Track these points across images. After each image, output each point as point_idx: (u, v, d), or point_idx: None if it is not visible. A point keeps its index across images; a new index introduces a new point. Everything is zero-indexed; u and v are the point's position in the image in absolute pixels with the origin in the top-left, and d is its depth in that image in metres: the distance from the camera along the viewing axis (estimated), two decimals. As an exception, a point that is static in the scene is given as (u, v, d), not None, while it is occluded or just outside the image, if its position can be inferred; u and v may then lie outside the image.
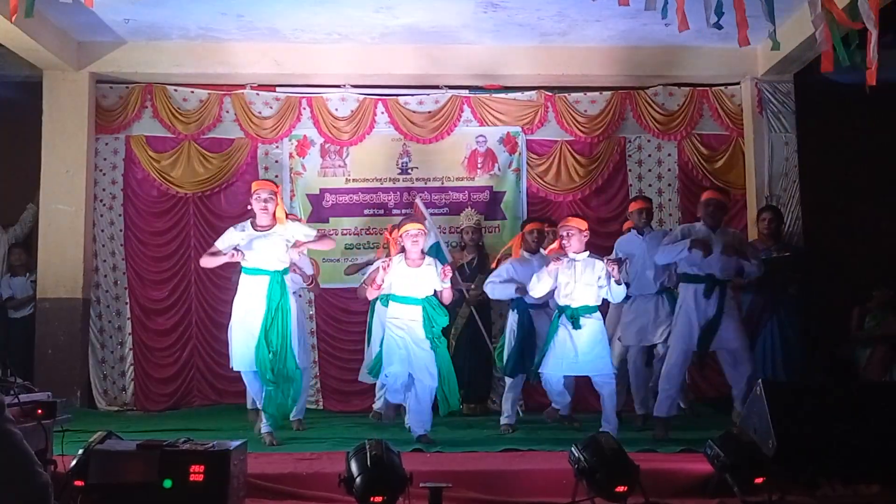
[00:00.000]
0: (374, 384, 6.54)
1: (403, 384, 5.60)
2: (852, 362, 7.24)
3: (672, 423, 5.66)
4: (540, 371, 5.69)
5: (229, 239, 5.48)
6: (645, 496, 3.89)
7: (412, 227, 5.58)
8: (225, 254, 5.43)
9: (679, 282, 5.82)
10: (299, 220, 6.35)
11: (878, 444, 4.18)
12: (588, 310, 5.57)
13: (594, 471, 3.83)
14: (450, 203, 7.75)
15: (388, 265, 5.53)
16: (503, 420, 6.04)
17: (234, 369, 5.58)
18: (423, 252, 5.63)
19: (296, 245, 5.59)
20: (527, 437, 5.68)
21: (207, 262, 5.62)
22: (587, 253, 5.66)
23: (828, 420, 4.24)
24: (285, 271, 5.53)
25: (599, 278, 5.58)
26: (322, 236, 5.82)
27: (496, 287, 6.09)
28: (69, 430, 4.08)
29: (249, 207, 5.59)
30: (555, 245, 5.93)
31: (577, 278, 5.56)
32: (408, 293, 5.52)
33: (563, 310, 5.60)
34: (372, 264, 6.54)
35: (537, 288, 5.63)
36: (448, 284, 5.57)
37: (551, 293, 5.71)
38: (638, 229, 6.28)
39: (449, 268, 5.65)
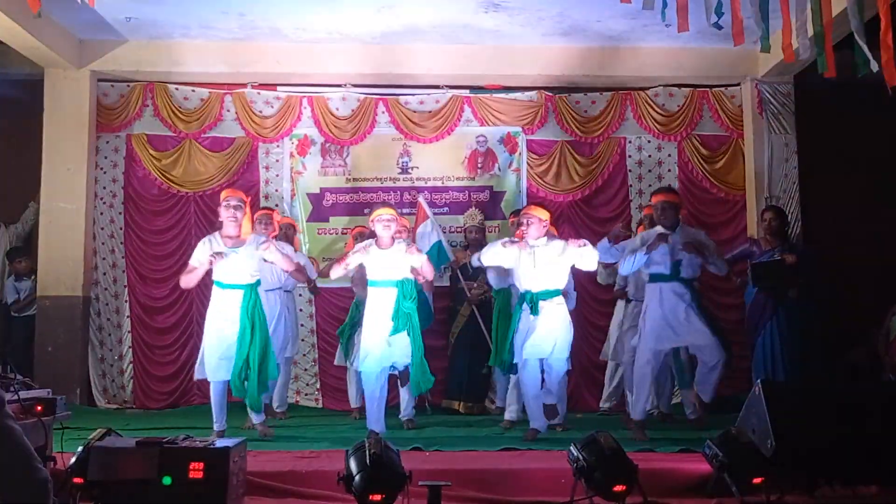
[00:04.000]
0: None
1: (377, 377, 5.68)
2: (861, 367, 7.21)
3: (646, 423, 5.67)
4: (516, 362, 5.62)
5: (201, 254, 5.43)
6: (643, 496, 3.90)
7: (384, 213, 5.67)
8: (198, 267, 5.40)
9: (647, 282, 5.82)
10: (280, 231, 6.41)
11: (877, 444, 4.18)
12: (549, 294, 5.53)
13: (593, 470, 3.83)
14: (450, 203, 7.77)
15: (365, 247, 5.63)
16: (508, 415, 6.05)
17: (196, 377, 5.63)
18: (393, 238, 5.66)
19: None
20: (526, 436, 5.69)
21: (186, 281, 5.57)
22: (545, 239, 5.61)
23: (827, 420, 4.24)
24: (258, 283, 5.52)
25: (564, 252, 5.52)
26: (295, 267, 5.82)
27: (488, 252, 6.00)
28: (69, 427, 4.09)
29: (220, 220, 5.51)
30: (517, 232, 5.84)
31: (536, 263, 5.53)
32: (383, 277, 5.60)
33: (523, 296, 5.58)
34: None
35: (485, 255, 5.71)
36: (423, 258, 5.68)
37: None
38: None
39: (420, 253, 5.79)
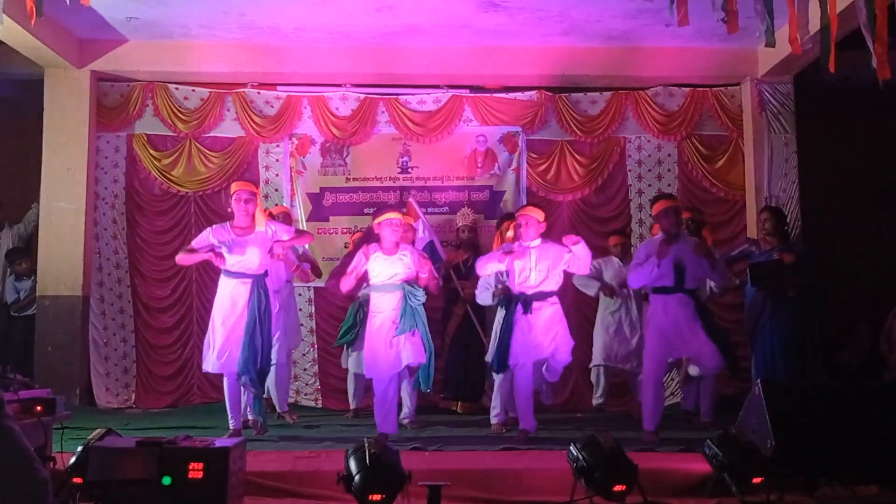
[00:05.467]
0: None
1: (391, 387, 5.63)
2: (850, 366, 7.23)
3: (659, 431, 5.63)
4: (511, 364, 5.57)
5: (205, 239, 5.41)
6: (643, 496, 3.90)
7: (393, 216, 5.52)
8: (199, 251, 5.37)
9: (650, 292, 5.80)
10: (276, 220, 6.26)
11: (877, 444, 4.18)
12: (544, 295, 5.56)
13: (592, 470, 3.84)
14: (450, 202, 7.76)
15: (368, 253, 5.49)
16: (495, 420, 5.93)
17: (210, 371, 5.58)
18: (398, 244, 5.55)
19: (275, 247, 5.46)
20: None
21: (183, 258, 5.56)
22: (540, 241, 5.62)
23: (826, 420, 4.24)
24: (265, 274, 5.50)
25: (560, 255, 5.55)
26: (300, 233, 5.87)
27: (482, 294, 6.17)
28: (68, 427, 4.10)
29: (230, 210, 5.53)
30: (510, 234, 5.84)
31: (534, 265, 5.54)
32: (386, 281, 5.49)
33: (516, 297, 5.57)
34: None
35: (481, 269, 5.71)
36: (425, 274, 5.54)
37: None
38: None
39: (428, 262, 5.67)
